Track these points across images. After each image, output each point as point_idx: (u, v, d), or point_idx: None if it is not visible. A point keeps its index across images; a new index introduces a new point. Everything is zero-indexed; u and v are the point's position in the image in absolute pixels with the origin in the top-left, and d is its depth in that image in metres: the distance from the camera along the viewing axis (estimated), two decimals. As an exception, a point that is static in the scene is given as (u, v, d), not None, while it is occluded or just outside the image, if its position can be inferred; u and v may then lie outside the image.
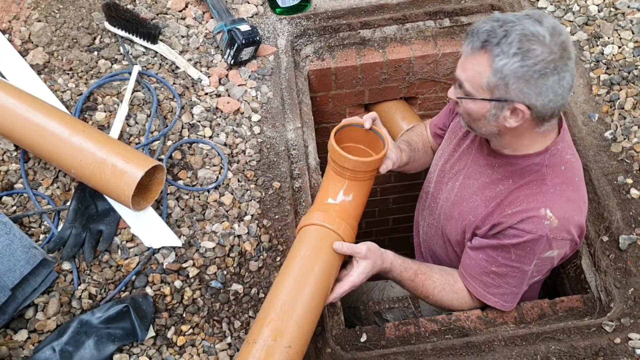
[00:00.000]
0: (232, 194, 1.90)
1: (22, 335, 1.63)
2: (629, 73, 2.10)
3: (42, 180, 1.88)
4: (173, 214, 1.84)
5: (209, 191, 1.89)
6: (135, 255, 1.77)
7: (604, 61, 2.16)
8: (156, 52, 2.15)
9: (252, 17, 2.30)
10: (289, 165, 1.97)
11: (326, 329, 1.70)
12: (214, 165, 1.94)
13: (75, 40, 2.15)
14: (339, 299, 1.61)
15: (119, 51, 2.15)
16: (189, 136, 1.99)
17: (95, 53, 2.14)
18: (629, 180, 1.91)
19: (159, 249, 1.78)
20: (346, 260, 1.66)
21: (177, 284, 1.73)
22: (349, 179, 1.67)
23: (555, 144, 1.55)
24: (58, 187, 1.87)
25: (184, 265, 1.76)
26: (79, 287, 1.71)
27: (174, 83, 2.09)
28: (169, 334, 1.67)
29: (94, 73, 2.09)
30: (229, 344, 1.66)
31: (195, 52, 2.18)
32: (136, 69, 2.05)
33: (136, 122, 1.98)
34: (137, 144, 1.94)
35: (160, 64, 2.13)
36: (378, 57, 2.30)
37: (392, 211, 3.30)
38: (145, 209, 1.80)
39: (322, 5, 2.35)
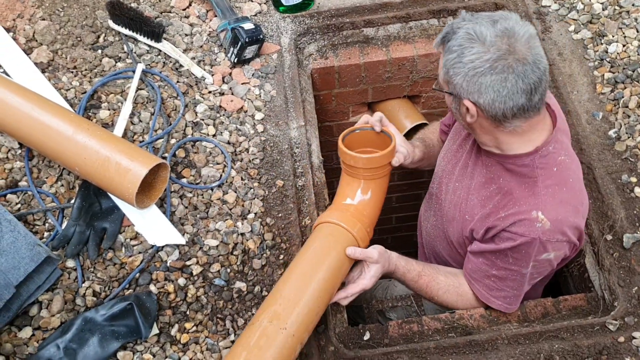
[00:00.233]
0: (235, 192, 1.90)
1: (26, 332, 1.64)
2: (633, 71, 2.09)
3: (47, 178, 1.89)
4: (177, 212, 1.84)
5: (212, 189, 1.90)
6: (139, 252, 1.77)
7: (608, 59, 2.15)
8: (160, 51, 2.16)
9: (255, 15, 2.30)
10: (292, 164, 1.97)
11: (329, 327, 1.70)
12: (218, 164, 1.95)
13: (79, 39, 2.16)
14: (350, 300, 1.64)
15: (122, 49, 2.15)
16: (192, 134, 1.99)
17: (99, 51, 2.14)
18: (633, 179, 1.91)
19: (163, 246, 1.78)
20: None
21: (181, 281, 1.73)
22: (364, 178, 1.74)
23: (545, 145, 1.54)
24: (62, 185, 1.87)
25: (188, 263, 1.76)
26: (83, 285, 1.71)
27: (177, 81, 2.09)
28: (173, 331, 1.67)
29: (98, 71, 2.09)
30: (233, 342, 1.66)
31: (199, 50, 2.19)
32: (140, 67, 2.05)
33: (140, 120, 1.99)
34: (141, 142, 1.94)
35: (164, 62, 2.14)
36: (381, 55, 2.30)
37: (395, 210, 3.30)
38: (149, 207, 1.80)
39: (325, 4, 2.35)
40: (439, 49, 1.52)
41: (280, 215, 1.87)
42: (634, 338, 1.66)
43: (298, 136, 2.03)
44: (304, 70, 2.25)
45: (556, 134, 1.57)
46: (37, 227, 1.81)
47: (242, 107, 2.07)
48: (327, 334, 1.68)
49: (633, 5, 2.24)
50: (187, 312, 1.70)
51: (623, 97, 2.06)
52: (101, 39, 2.17)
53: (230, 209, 1.87)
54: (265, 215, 1.87)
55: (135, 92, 2.02)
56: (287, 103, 2.10)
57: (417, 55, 2.31)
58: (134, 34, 2.13)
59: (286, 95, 2.12)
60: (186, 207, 1.86)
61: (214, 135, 2.00)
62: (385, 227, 3.43)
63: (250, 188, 1.91)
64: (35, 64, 2.08)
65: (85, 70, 2.09)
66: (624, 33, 2.19)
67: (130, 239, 1.79)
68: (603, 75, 2.13)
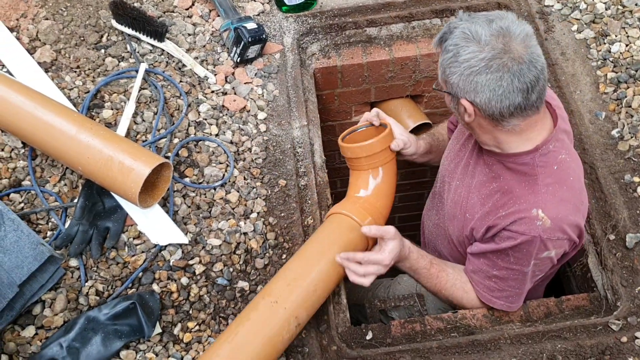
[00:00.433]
0: (238, 191, 1.90)
1: (29, 331, 1.64)
2: (636, 71, 2.09)
3: (50, 177, 1.89)
4: (180, 211, 1.84)
5: (215, 189, 1.90)
6: (142, 252, 1.78)
7: (611, 59, 2.15)
8: (163, 50, 2.16)
9: (258, 15, 2.30)
10: (294, 163, 1.97)
11: (332, 327, 1.70)
12: (220, 163, 1.95)
13: (82, 38, 2.16)
14: (369, 275, 1.61)
15: (126, 49, 2.15)
16: (195, 134, 2.00)
17: (103, 51, 2.15)
18: (636, 179, 1.91)
19: (166, 246, 1.78)
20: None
21: (184, 281, 1.74)
22: (369, 167, 1.79)
23: (546, 143, 1.54)
24: (65, 185, 1.88)
25: (191, 262, 1.77)
26: (86, 284, 1.72)
27: (180, 81, 2.09)
28: (176, 330, 1.67)
29: (101, 71, 2.10)
30: (235, 341, 1.67)
31: (202, 50, 2.19)
32: (143, 66, 2.06)
33: (143, 120, 1.99)
34: (144, 141, 1.95)
35: (167, 62, 2.14)
36: (384, 55, 2.30)
37: (397, 209, 3.30)
38: (152, 206, 1.80)
39: (328, 3, 2.35)
40: (437, 49, 1.53)
41: (282, 214, 1.87)
42: (636, 338, 1.65)
43: (301, 136, 2.03)
44: (306, 69, 2.25)
45: (557, 132, 1.57)
46: (40, 226, 1.81)
47: (244, 107, 2.07)
48: (330, 334, 1.68)
49: (636, 4, 2.24)
50: (190, 312, 1.70)
51: (626, 96, 2.05)
52: (104, 39, 2.17)
53: (233, 209, 1.87)
54: (268, 215, 1.87)
55: (138, 92, 2.02)
56: (289, 103, 2.10)
57: (420, 55, 2.31)
58: (137, 34, 2.14)
59: (289, 95, 2.12)
60: (189, 207, 1.86)
61: (216, 135, 2.00)
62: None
63: (253, 187, 1.91)
64: (39, 63, 2.08)
65: (89, 69, 2.10)
66: (627, 33, 2.19)
67: (133, 238, 1.80)
68: (606, 74, 2.12)
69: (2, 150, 1.92)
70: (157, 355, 1.63)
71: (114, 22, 2.16)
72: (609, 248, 1.82)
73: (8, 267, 1.60)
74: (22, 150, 1.93)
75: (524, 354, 1.64)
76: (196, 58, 2.16)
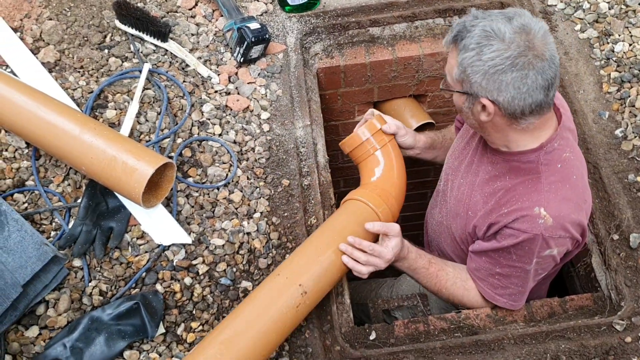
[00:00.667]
0: (241, 191, 1.90)
1: (33, 331, 1.64)
2: (639, 70, 2.08)
3: (53, 177, 1.89)
4: (183, 211, 1.84)
5: (218, 188, 1.90)
6: (146, 252, 1.78)
7: (614, 59, 2.14)
8: (166, 50, 2.16)
9: (261, 15, 2.30)
10: (298, 163, 1.97)
11: (335, 327, 1.70)
12: (224, 163, 1.95)
13: (86, 39, 2.17)
14: (368, 265, 1.63)
15: (129, 49, 2.16)
16: (198, 134, 2.00)
17: (106, 51, 2.15)
18: (640, 179, 1.91)
19: (169, 246, 1.78)
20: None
21: (187, 281, 1.74)
22: (368, 155, 1.85)
23: (550, 141, 1.54)
24: (69, 185, 1.88)
25: (194, 262, 1.77)
26: (90, 284, 1.72)
27: (184, 81, 2.09)
28: (179, 330, 1.67)
29: (105, 71, 2.10)
30: (239, 341, 1.67)
31: (205, 50, 2.19)
32: (146, 67, 2.06)
33: (146, 120, 1.99)
34: (147, 141, 1.95)
35: (170, 62, 2.14)
36: (387, 54, 2.30)
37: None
38: (156, 206, 1.80)
39: (331, 3, 2.35)
40: (450, 48, 1.50)
41: (286, 214, 1.87)
42: (640, 338, 1.65)
43: (304, 135, 2.03)
44: (309, 69, 2.25)
45: (561, 130, 1.57)
46: (44, 226, 1.81)
47: (248, 107, 2.07)
48: (333, 334, 1.68)
49: (639, 4, 2.24)
50: (193, 312, 1.71)
51: (629, 96, 2.05)
52: (108, 39, 2.18)
53: (236, 208, 1.87)
54: (271, 215, 1.87)
55: (142, 92, 2.02)
56: (293, 102, 2.10)
57: (423, 55, 2.31)
58: (141, 34, 2.14)
59: (292, 95, 2.12)
60: (192, 207, 1.86)
61: (220, 135, 2.00)
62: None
63: (256, 187, 1.91)
64: (42, 63, 2.08)
65: (92, 69, 2.10)
66: (630, 32, 2.19)
67: (137, 238, 1.80)
68: (609, 74, 2.12)
69: (6, 150, 1.92)
70: (160, 355, 1.63)
71: (117, 23, 2.17)
72: (612, 248, 1.81)
73: (12, 267, 1.61)
74: (26, 151, 1.93)
75: (527, 354, 1.64)
76: (199, 58, 2.16)
